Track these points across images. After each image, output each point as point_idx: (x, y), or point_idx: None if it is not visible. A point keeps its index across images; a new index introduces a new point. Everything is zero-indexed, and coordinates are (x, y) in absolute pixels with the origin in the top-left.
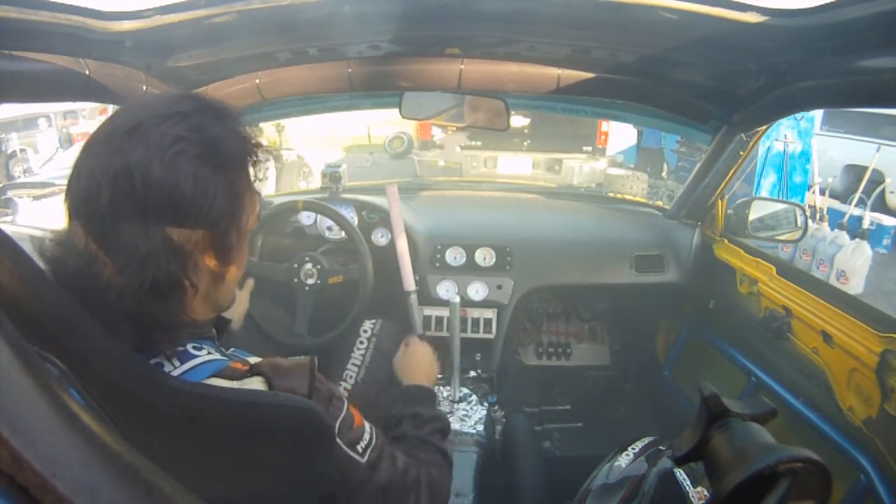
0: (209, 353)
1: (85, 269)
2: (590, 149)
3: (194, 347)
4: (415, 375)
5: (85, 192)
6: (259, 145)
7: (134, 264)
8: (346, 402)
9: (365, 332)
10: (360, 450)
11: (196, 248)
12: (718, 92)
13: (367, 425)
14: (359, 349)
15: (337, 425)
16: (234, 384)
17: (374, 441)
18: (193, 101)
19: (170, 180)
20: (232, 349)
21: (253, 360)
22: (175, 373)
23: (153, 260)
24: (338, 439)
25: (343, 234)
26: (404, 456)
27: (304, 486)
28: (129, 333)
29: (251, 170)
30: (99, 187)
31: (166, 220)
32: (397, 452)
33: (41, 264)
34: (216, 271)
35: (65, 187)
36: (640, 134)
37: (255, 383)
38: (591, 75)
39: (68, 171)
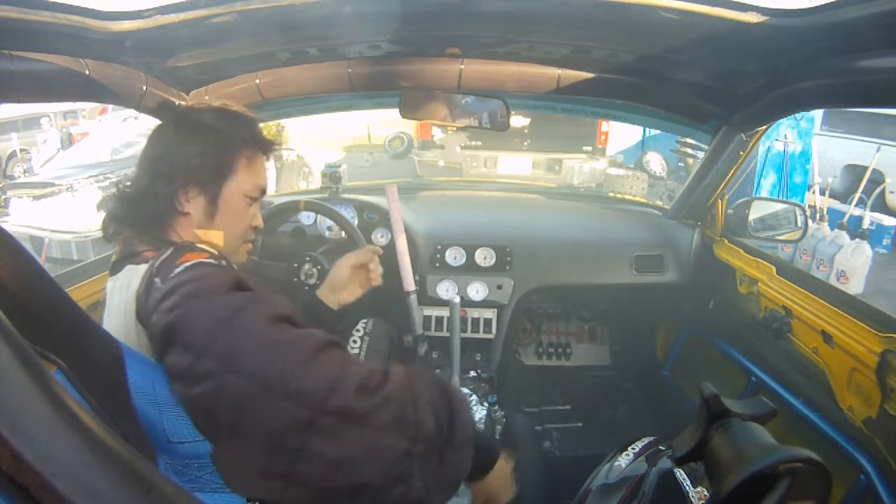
0: None
1: None
2: (590, 149)
3: None
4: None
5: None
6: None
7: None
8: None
9: (357, 331)
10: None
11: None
12: (718, 92)
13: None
14: (352, 349)
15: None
16: None
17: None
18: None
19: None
20: None
21: None
22: None
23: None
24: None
25: (343, 234)
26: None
27: None
28: None
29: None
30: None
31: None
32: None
33: None
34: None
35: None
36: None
37: None
38: (591, 75)
39: (69, 171)
